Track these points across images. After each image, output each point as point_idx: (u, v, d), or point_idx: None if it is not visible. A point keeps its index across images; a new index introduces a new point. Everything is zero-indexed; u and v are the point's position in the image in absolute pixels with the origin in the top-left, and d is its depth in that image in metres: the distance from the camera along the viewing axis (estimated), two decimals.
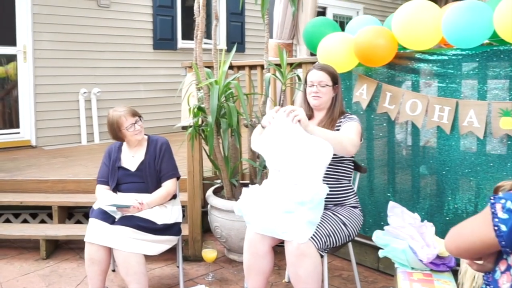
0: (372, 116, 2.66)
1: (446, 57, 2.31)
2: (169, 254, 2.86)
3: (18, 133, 5.00)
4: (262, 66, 3.20)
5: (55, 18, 5.03)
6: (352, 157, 2.21)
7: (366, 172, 2.39)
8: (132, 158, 2.52)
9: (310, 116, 2.24)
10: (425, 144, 2.47)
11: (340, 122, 2.20)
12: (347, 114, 2.24)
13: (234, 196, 2.92)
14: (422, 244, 1.95)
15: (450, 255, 1.94)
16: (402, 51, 2.46)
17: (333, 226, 2.00)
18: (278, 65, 2.99)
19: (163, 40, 5.96)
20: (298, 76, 3.06)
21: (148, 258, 2.46)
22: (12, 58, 4.90)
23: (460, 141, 2.30)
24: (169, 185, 2.47)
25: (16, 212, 3.42)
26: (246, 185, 2.61)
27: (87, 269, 2.29)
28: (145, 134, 2.55)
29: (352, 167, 2.25)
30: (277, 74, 3.03)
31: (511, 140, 2.14)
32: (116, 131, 2.43)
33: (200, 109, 2.83)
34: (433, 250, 1.93)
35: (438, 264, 1.93)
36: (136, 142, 2.50)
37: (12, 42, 4.86)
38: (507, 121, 2.10)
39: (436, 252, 1.92)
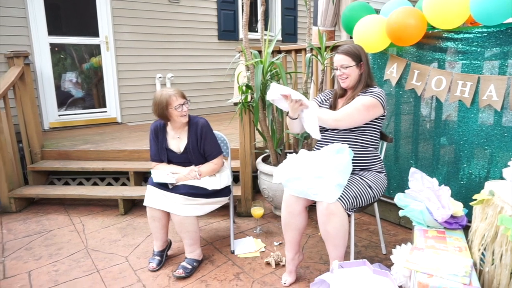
0: (401, 92, 2.68)
1: (471, 35, 2.28)
2: (226, 211, 3.13)
3: (106, 111, 5.37)
4: (306, 50, 3.30)
5: (132, 12, 5.32)
6: (379, 127, 2.23)
7: (392, 141, 2.42)
8: (178, 139, 2.47)
9: (342, 94, 2.30)
10: (446, 118, 2.45)
11: (359, 96, 2.19)
12: (370, 88, 2.21)
13: (279, 162, 3.07)
14: (438, 205, 1.96)
15: (463, 215, 1.96)
16: (430, 31, 2.45)
17: (359, 189, 2.04)
18: (320, 48, 3.04)
19: (226, 31, 6.30)
20: None
21: (208, 213, 2.57)
22: (97, 48, 5.16)
23: (478, 114, 2.30)
24: (216, 161, 2.51)
25: (102, 177, 3.80)
26: (290, 153, 2.77)
27: (150, 225, 2.45)
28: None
29: (378, 136, 2.27)
30: (319, 57, 3.10)
31: None
32: (163, 109, 2.32)
33: (248, 87, 2.96)
34: (448, 211, 1.93)
35: (451, 223, 1.94)
36: (180, 124, 2.43)
37: (95, 33, 5.15)
38: None
39: (450, 212, 1.93)
